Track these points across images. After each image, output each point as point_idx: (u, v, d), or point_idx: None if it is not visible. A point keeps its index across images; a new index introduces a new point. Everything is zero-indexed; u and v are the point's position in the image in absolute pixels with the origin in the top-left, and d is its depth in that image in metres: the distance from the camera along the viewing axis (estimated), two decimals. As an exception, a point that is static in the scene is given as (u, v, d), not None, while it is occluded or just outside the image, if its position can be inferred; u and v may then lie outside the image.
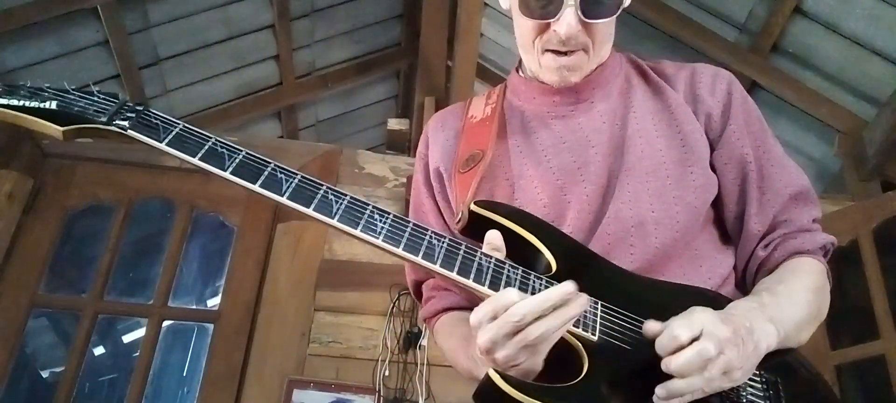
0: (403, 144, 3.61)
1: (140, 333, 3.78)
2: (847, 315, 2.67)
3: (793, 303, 0.96)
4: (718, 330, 0.82)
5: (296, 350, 2.73)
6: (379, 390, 2.67)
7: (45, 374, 4.60)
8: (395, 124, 3.55)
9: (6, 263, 2.81)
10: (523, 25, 1.06)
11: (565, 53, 1.04)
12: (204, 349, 3.05)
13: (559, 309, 0.80)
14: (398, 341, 2.76)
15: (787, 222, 1.04)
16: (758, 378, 0.91)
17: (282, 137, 4.49)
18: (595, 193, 1.02)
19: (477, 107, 1.17)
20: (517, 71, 1.19)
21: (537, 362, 0.83)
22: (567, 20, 0.99)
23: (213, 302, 4.36)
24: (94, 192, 3.04)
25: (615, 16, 1.04)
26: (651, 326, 0.85)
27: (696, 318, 0.83)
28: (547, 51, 1.05)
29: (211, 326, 2.88)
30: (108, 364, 5.02)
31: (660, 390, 0.81)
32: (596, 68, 1.10)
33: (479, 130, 1.11)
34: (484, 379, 0.81)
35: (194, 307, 4.33)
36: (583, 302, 0.82)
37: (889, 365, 2.50)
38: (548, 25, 1.02)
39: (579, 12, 0.99)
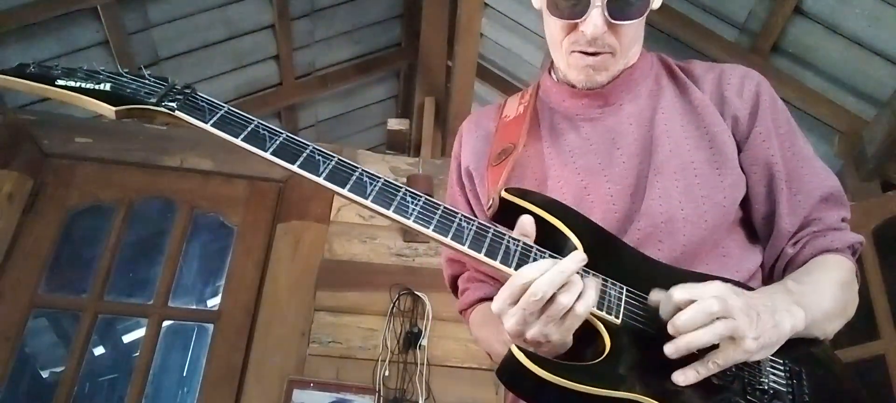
0: (403, 144, 3.60)
1: (140, 333, 3.78)
2: (847, 315, 2.66)
3: (819, 293, 0.98)
4: (729, 297, 0.84)
5: (296, 350, 2.73)
6: (379, 390, 2.67)
7: (45, 374, 4.60)
8: (395, 124, 3.55)
9: (6, 263, 2.82)
10: (552, 25, 1.08)
11: (592, 54, 1.05)
12: (204, 349, 3.05)
13: (575, 281, 0.83)
14: (398, 341, 2.76)
15: (817, 221, 1.05)
16: (781, 366, 0.93)
17: (282, 137, 4.49)
18: (619, 193, 1.03)
19: (511, 107, 1.19)
20: (549, 72, 1.20)
21: (566, 339, 0.85)
22: (593, 21, 1.01)
23: (213, 302, 4.35)
24: (94, 192, 3.04)
25: (642, 18, 1.06)
26: (654, 294, 0.89)
27: (703, 286, 0.86)
28: (574, 51, 1.06)
29: (211, 326, 2.89)
30: (108, 364, 5.02)
31: (668, 346, 0.84)
32: (625, 70, 1.11)
33: (512, 127, 1.14)
34: (506, 356, 0.83)
35: (194, 307, 4.33)
36: (596, 282, 0.86)
37: (889, 365, 2.50)
38: (575, 25, 1.03)
39: (606, 13, 1.00)
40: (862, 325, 2.61)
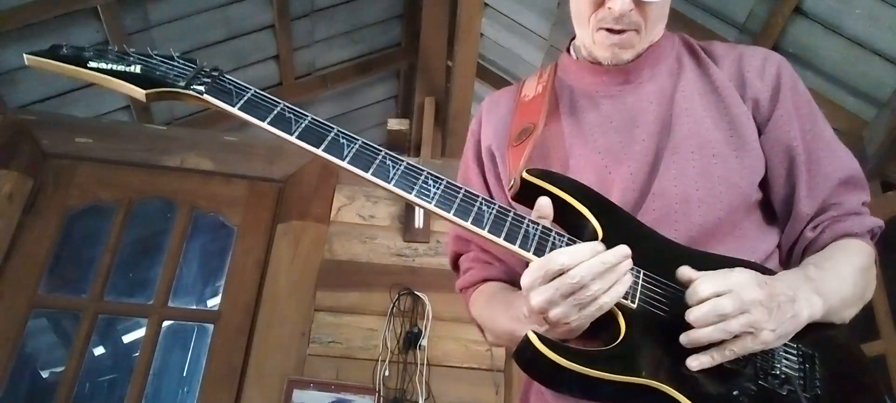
0: (403, 144, 3.61)
1: (140, 333, 3.78)
2: (847, 315, 2.66)
3: (839, 279, 0.98)
4: (747, 290, 0.85)
5: (296, 350, 2.73)
6: (379, 390, 2.67)
7: (45, 374, 4.60)
8: (395, 124, 3.55)
9: (6, 263, 2.82)
10: (579, 2, 1.08)
11: (618, 31, 1.06)
12: (204, 349, 3.05)
13: (612, 270, 0.85)
14: (398, 341, 2.76)
15: (836, 205, 1.05)
16: (794, 350, 0.93)
17: (282, 137, 4.49)
18: (639, 171, 1.03)
19: (529, 87, 1.20)
20: (569, 50, 1.20)
21: (584, 325, 0.86)
22: None
23: (213, 302, 4.35)
24: (94, 192, 3.04)
25: None
26: (684, 271, 0.89)
27: (727, 277, 0.87)
28: (601, 28, 1.07)
29: (211, 326, 2.89)
30: (108, 364, 5.01)
31: (683, 337, 0.86)
32: (648, 48, 1.12)
33: (531, 106, 1.14)
34: (522, 341, 0.84)
35: (194, 307, 4.33)
36: (628, 276, 0.87)
37: (889, 365, 2.50)
38: (602, 2, 1.05)
39: None
40: (862, 325, 2.61)
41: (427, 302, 2.83)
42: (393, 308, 2.82)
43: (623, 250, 0.86)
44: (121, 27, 3.32)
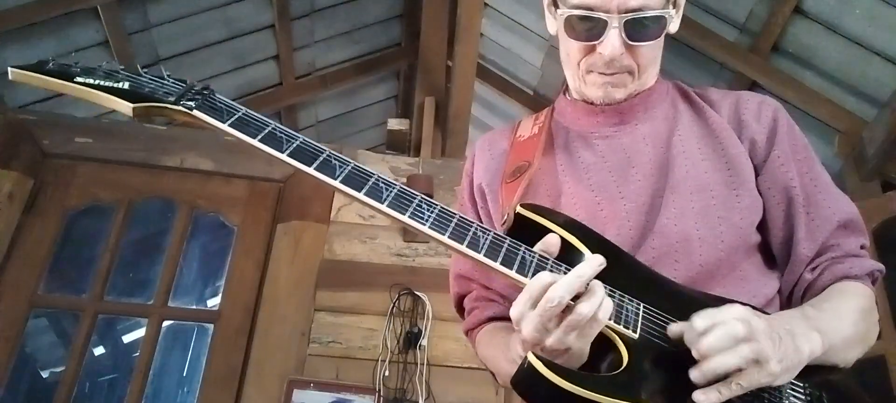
0: (403, 144, 3.61)
1: (140, 333, 3.78)
2: (847, 315, 2.66)
3: (838, 318, 0.97)
4: (752, 319, 0.83)
5: (296, 350, 2.73)
6: (379, 390, 2.67)
7: (45, 374, 4.60)
8: (395, 124, 3.55)
9: (6, 263, 2.82)
10: (569, 47, 1.08)
11: (610, 74, 1.06)
12: (204, 349, 3.05)
13: (596, 290, 0.82)
14: (398, 341, 2.76)
15: (835, 247, 1.04)
16: (801, 389, 0.91)
17: (282, 137, 4.48)
18: (635, 210, 1.02)
19: (525, 127, 1.20)
20: (564, 93, 1.20)
21: (585, 348, 0.84)
22: (611, 42, 1.01)
23: (213, 302, 4.35)
24: (94, 192, 3.05)
25: (659, 39, 1.06)
26: (673, 327, 0.87)
27: (723, 311, 0.84)
28: (591, 72, 1.07)
29: (211, 326, 2.89)
30: (108, 364, 5.01)
31: (694, 371, 0.82)
32: (642, 92, 1.11)
33: (527, 146, 1.14)
34: (522, 364, 0.81)
35: (194, 307, 4.32)
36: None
37: (889, 365, 2.50)
38: (593, 47, 1.04)
39: (623, 35, 1.01)
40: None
41: (427, 302, 2.83)
42: (393, 308, 2.82)
43: (596, 259, 0.84)
44: (121, 27, 3.32)
